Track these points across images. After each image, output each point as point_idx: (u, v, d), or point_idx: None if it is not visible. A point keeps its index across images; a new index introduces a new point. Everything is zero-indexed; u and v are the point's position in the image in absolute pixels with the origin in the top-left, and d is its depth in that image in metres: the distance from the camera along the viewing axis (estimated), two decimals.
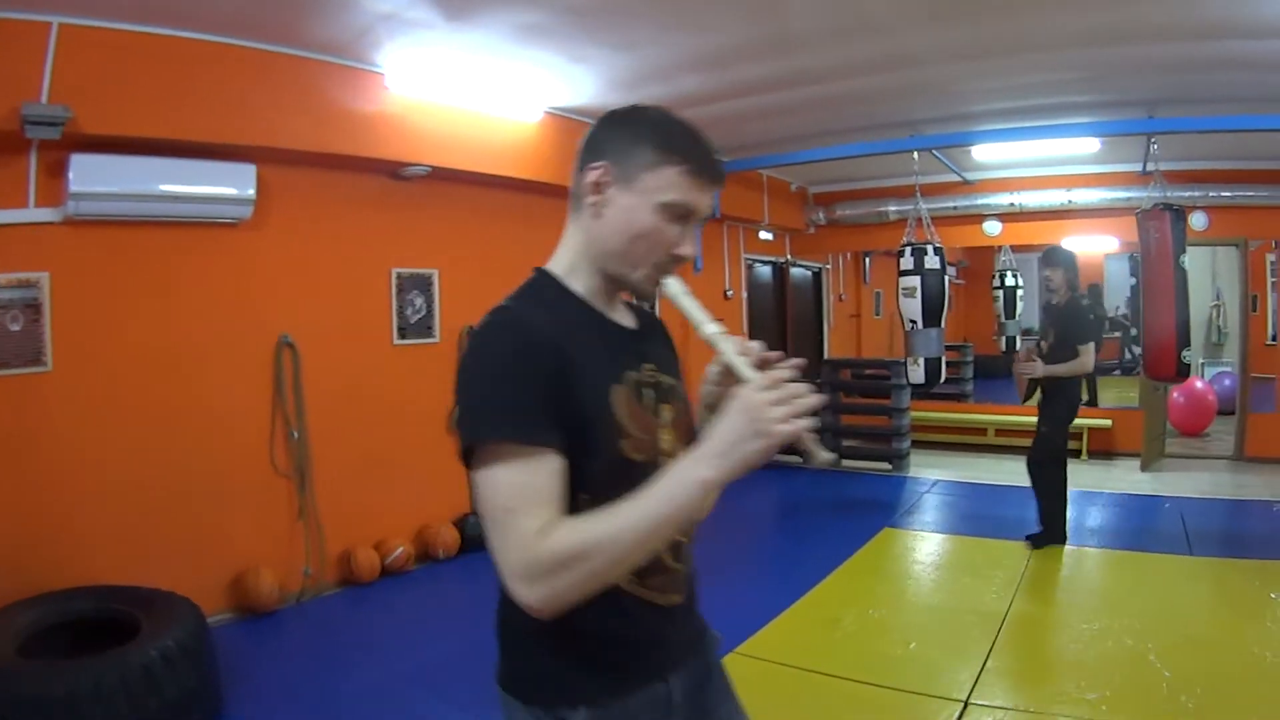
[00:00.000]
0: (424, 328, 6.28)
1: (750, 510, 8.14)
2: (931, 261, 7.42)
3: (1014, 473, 8.69)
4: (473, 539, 6.31)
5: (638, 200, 1.50)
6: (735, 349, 1.46)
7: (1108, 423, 9.73)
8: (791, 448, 1.36)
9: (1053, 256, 6.36)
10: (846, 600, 5.38)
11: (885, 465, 9.22)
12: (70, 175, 4.26)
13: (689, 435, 1.63)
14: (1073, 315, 6.15)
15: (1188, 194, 7.56)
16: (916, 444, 9.81)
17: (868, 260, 13.62)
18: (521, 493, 1.34)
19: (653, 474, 1.38)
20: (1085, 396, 12.21)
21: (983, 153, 8.60)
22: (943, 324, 7.49)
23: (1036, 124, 7.37)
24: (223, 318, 5.05)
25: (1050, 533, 6.26)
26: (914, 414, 9.53)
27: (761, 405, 1.32)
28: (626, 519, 1.32)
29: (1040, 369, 6.11)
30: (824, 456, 1.39)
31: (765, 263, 11.14)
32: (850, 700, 4.07)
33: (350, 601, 5.42)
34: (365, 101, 5.35)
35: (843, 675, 4.28)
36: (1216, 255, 11.91)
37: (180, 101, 4.50)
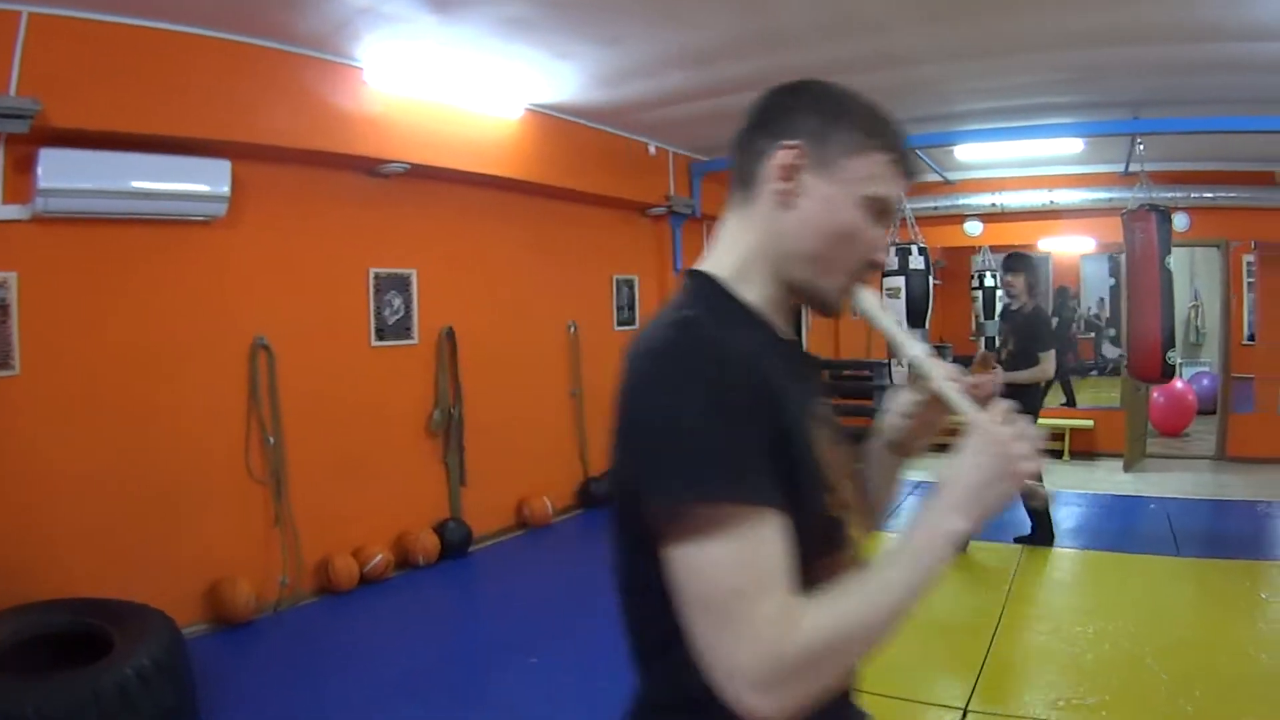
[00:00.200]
0: (402, 329, 6.14)
1: None
2: (916, 261, 7.35)
3: None
4: (452, 545, 6.19)
5: (838, 191, 1.21)
6: (946, 375, 1.27)
7: (1090, 423, 9.74)
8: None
9: (1014, 262, 6.34)
10: None
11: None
12: (39, 171, 4.08)
13: (858, 483, 1.38)
14: (1033, 322, 6.12)
15: (1169, 195, 7.55)
16: None
17: None
18: (753, 569, 1.02)
19: (843, 532, 1.20)
20: (1063, 398, 12.32)
21: (965, 153, 8.56)
22: (927, 325, 7.44)
23: (1022, 124, 7.34)
24: (196, 319, 4.89)
25: (1043, 534, 6.24)
26: None
27: (1006, 442, 1.12)
28: (878, 594, 1.08)
29: (1000, 376, 5.99)
30: (1043, 494, 1.20)
31: None
32: None
33: (329, 611, 5.27)
34: (343, 97, 5.21)
35: None
36: (1195, 256, 11.98)
37: (153, 95, 4.34)
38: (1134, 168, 6.89)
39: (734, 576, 1.01)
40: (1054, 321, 12.85)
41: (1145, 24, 5.13)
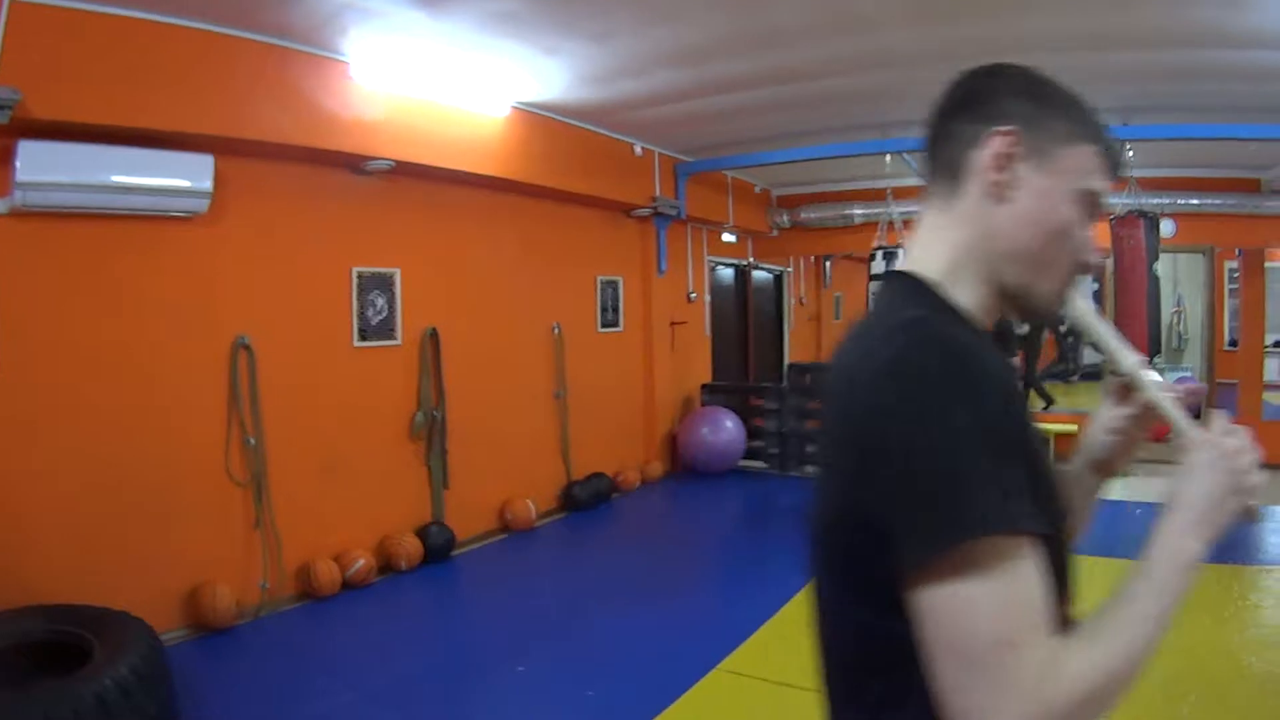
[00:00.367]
0: (385, 329, 6.04)
1: (717, 519, 8.02)
2: (902, 265, 7.32)
3: None
4: (435, 549, 6.10)
5: (1053, 184, 1.10)
6: (1161, 387, 1.18)
7: (1074, 429, 9.73)
8: None
9: None
10: None
11: None
12: (17, 163, 3.94)
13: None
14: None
15: (1155, 201, 7.58)
16: None
17: (828, 264, 13.59)
18: (1017, 613, 0.91)
19: (1071, 560, 1.10)
20: (1042, 403, 12.33)
21: None
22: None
23: None
24: (177, 317, 4.76)
25: None
26: None
27: (1233, 456, 1.05)
28: (1132, 631, 0.98)
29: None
30: (1256, 508, 1.11)
31: (728, 265, 11.03)
32: None
33: (310, 617, 5.16)
34: (329, 91, 5.10)
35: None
36: (1178, 262, 12.05)
37: (136, 87, 4.21)
38: (1123, 173, 6.88)
39: (997, 622, 0.90)
40: (1027, 327, 12.94)
41: (1140, 29, 5.13)
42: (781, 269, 12.40)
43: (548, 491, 7.58)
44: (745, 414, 9.45)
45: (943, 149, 1.17)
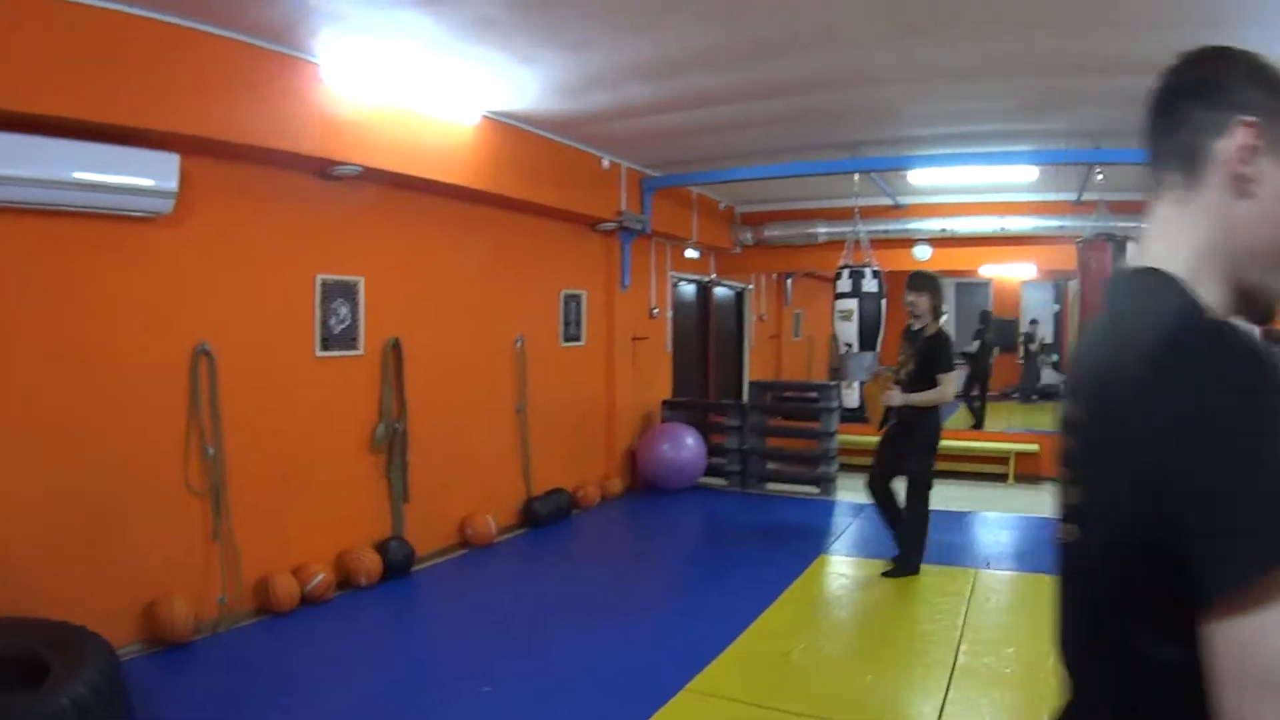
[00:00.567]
0: (348, 339, 5.90)
1: (679, 536, 7.96)
2: (870, 284, 7.38)
3: (941, 497, 8.69)
4: (394, 564, 5.96)
5: None
6: None
7: (1035, 448, 9.83)
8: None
9: (918, 281, 6.19)
10: (793, 631, 5.18)
11: (813, 489, 9.10)
12: None
13: None
14: (936, 344, 5.99)
15: (1120, 225, 7.66)
16: (841, 467, 9.73)
17: (789, 281, 13.63)
18: None
19: None
20: (973, 421, 12.48)
21: (918, 177, 8.60)
22: (878, 348, 7.44)
23: (982, 150, 7.39)
24: (136, 321, 4.58)
25: (911, 562, 6.13)
26: (839, 437, 9.41)
27: None
28: None
29: (898, 397, 5.96)
30: None
31: (690, 281, 11.01)
32: None
33: (270, 633, 4.98)
34: (299, 93, 4.98)
35: (804, 712, 4.06)
36: None
37: (100, 79, 4.05)
38: (1090, 196, 6.97)
39: None
40: (977, 345, 13.12)
41: (1115, 53, 5.18)
42: (743, 286, 12.42)
43: (508, 507, 7.46)
44: (705, 431, 9.42)
45: (1176, 135, 1.11)
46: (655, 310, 9.83)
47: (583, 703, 4.16)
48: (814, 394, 9.44)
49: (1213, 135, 1.06)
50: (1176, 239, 1.10)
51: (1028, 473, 9.81)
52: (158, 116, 4.28)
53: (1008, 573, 6.33)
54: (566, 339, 8.35)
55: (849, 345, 7.54)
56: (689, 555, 7.34)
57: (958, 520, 8.05)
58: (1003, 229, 9.38)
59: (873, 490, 6.25)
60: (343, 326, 5.85)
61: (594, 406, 8.85)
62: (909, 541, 6.14)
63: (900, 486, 6.15)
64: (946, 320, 10.23)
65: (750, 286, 12.58)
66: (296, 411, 5.50)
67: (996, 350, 14.64)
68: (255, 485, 5.17)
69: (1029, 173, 8.11)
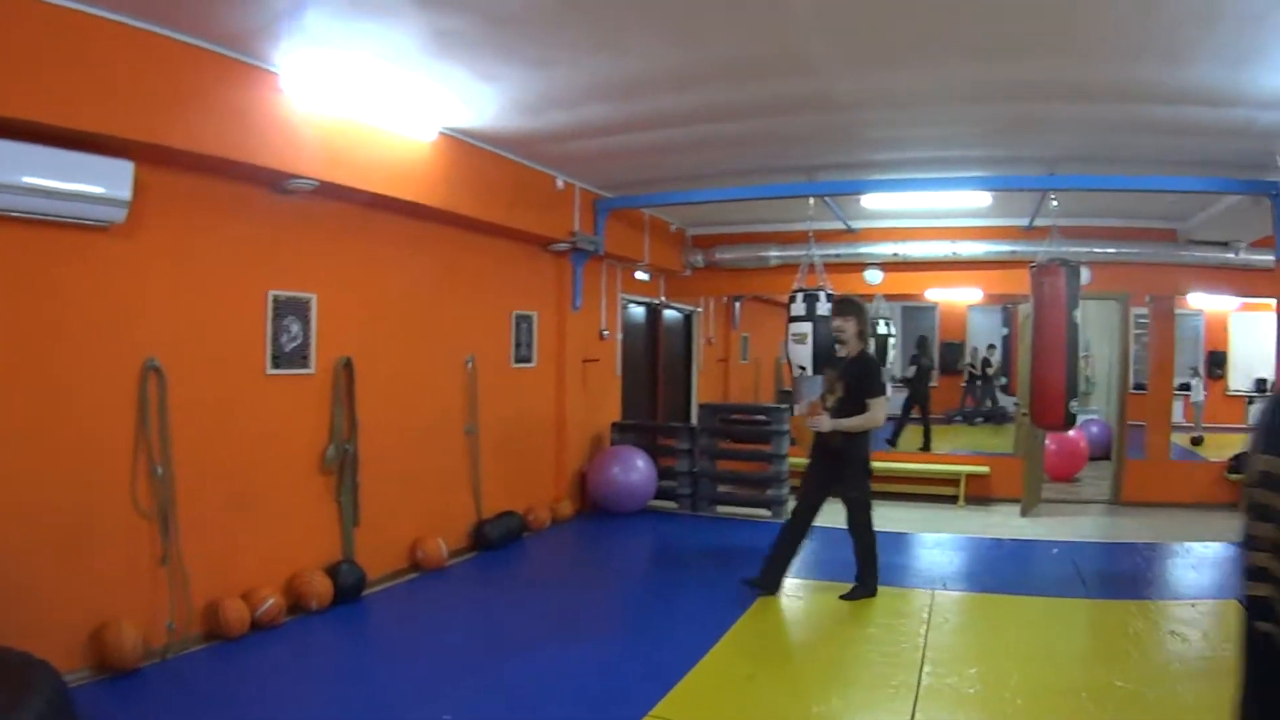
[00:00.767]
0: (299, 357, 5.75)
1: (632, 560, 7.89)
2: (824, 308, 7.42)
3: (893, 519, 8.80)
4: (346, 588, 5.80)
5: None
6: None
7: (985, 470, 9.96)
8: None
9: (844, 307, 6.15)
10: (755, 655, 5.13)
11: (764, 512, 9.10)
12: None
13: None
14: (864, 368, 5.99)
15: (1072, 249, 7.83)
16: (794, 490, 9.75)
17: (737, 305, 13.69)
18: None
19: None
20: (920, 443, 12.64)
21: (872, 201, 8.69)
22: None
23: (938, 175, 7.48)
24: (84, 334, 4.40)
25: (869, 585, 6.14)
26: (790, 460, 9.42)
27: None
28: None
29: (828, 423, 5.90)
30: None
31: (640, 303, 10.99)
32: None
33: (220, 659, 4.80)
34: (257, 103, 4.86)
35: None
36: (1086, 308, 12.56)
37: (53, 81, 3.90)
38: (1043, 222, 7.10)
39: None
40: (913, 370, 13.30)
41: (1075, 82, 5.30)
42: (692, 309, 12.43)
43: (458, 529, 7.34)
44: (655, 453, 9.38)
45: None
46: (605, 332, 9.78)
47: None
48: (764, 417, 9.45)
49: None
50: None
51: (978, 494, 9.94)
52: (112, 121, 4.13)
53: (963, 593, 6.36)
54: (517, 360, 8.26)
55: (802, 368, 7.57)
56: (644, 579, 7.26)
57: (910, 542, 8.10)
58: (954, 253, 9.53)
59: (797, 518, 6.22)
60: (294, 344, 5.71)
61: (544, 428, 8.76)
62: (865, 565, 6.14)
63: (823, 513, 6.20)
64: (895, 342, 10.41)
65: (699, 309, 12.60)
66: (246, 431, 5.34)
67: (935, 373, 14.85)
68: (204, 506, 5.00)
69: (983, 198, 8.25)
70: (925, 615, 5.77)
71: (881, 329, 10.02)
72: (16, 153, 3.85)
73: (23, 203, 3.95)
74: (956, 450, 12.55)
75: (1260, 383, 15.04)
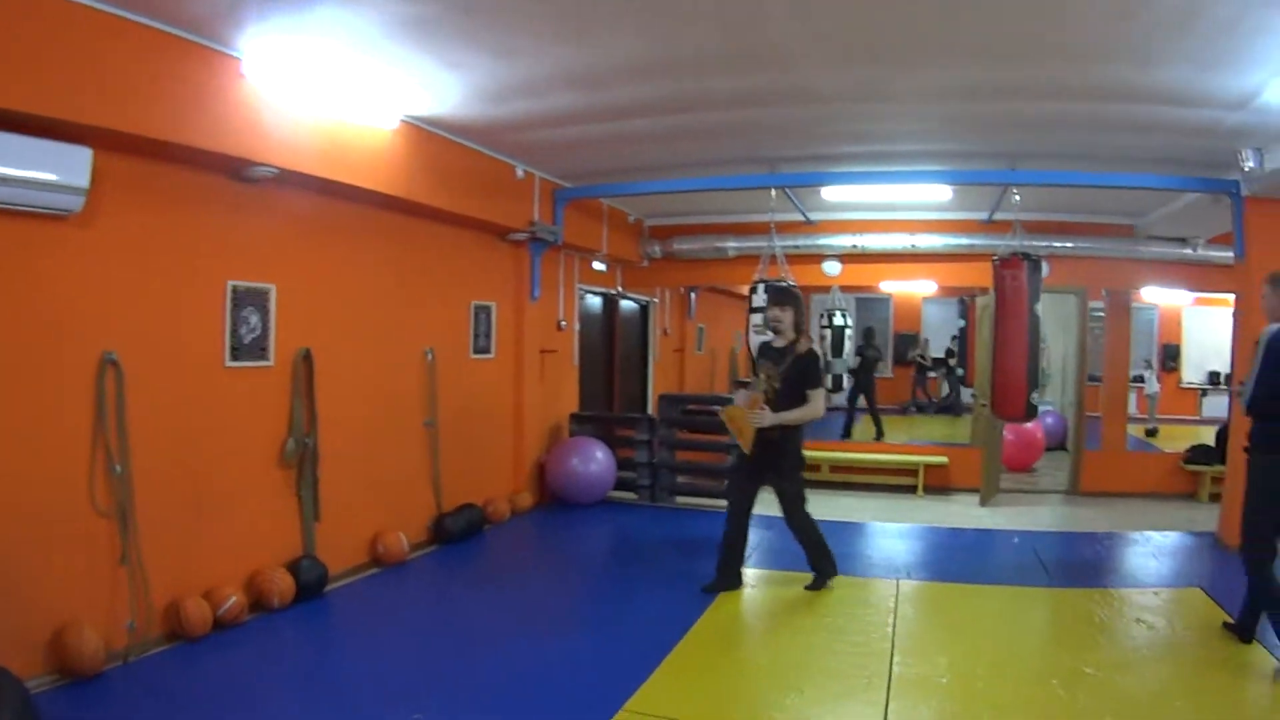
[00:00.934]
0: (258, 349, 5.61)
1: (594, 552, 7.85)
2: None
3: (853, 509, 8.88)
4: (307, 585, 5.70)
5: None
6: None
7: (944, 460, 10.06)
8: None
9: (782, 297, 6.04)
10: (725, 648, 5.14)
11: (724, 503, 9.03)
12: None
13: None
14: (804, 360, 5.89)
15: (1031, 243, 7.93)
16: None
17: (693, 295, 13.69)
18: None
19: None
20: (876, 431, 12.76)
21: (832, 193, 8.71)
22: None
23: (902, 168, 7.51)
24: (38, 328, 4.23)
25: (827, 572, 6.14)
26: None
27: None
28: None
29: (769, 417, 5.76)
30: None
31: (596, 294, 10.93)
32: None
33: (183, 660, 4.67)
34: (218, 89, 4.72)
35: None
36: (1043, 300, 12.78)
37: (7, 63, 3.74)
38: (1003, 216, 7.17)
39: None
40: (858, 360, 13.41)
41: (1040, 81, 5.36)
42: (648, 299, 12.41)
43: (418, 523, 7.25)
44: (613, 444, 9.34)
45: None
46: (563, 323, 9.72)
47: None
48: (718, 407, 9.44)
49: None
50: None
51: (937, 485, 10.05)
52: (70, 106, 3.97)
53: (927, 583, 6.42)
54: (476, 351, 8.17)
55: None
56: (607, 572, 7.22)
57: (871, 532, 8.17)
58: (913, 246, 9.61)
59: (736, 513, 6.16)
60: (253, 336, 5.57)
61: (503, 420, 8.68)
62: (818, 555, 6.13)
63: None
64: (851, 334, 10.47)
65: (655, 300, 12.58)
66: (205, 425, 5.20)
67: (883, 364, 14.98)
68: (163, 503, 4.86)
69: (943, 191, 8.31)
70: (891, 605, 5.81)
71: (838, 320, 10.04)
72: None
73: None
74: (913, 440, 12.70)
75: (1213, 375, 15.44)
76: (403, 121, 6.23)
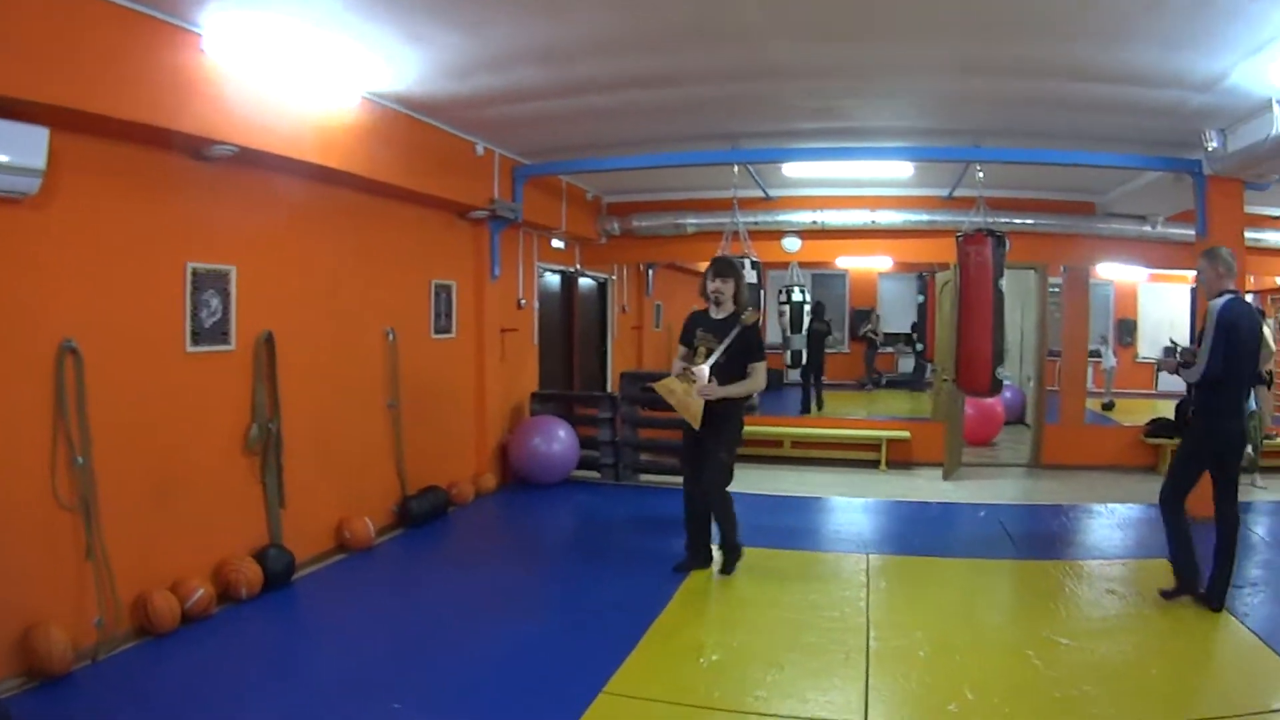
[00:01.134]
0: (219, 333, 5.45)
1: (561, 532, 7.82)
2: (748, 275, 7.39)
3: (817, 484, 8.92)
4: (275, 574, 5.59)
5: None
6: None
7: (906, 434, 10.14)
8: None
9: (725, 268, 5.91)
10: (700, 626, 5.14)
11: None
12: None
13: None
14: (748, 332, 5.79)
15: (991, 220, 7.98)
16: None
17: (650, 272, 13.64)
18: None
19: None
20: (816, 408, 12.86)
21: (793, 169, 8.69)
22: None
23: (865, 144, 7.50)
24: None
25: (737, 549, 6.05)
26: None
27: None
28: None
29: (717, 390, 5.71)
30: None
31: (555, 272, 10.83)
32: None
33: (153, 656, 4.54)
34: (178, 65, 4.54)
35: (731, 709, 4.01)
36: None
37: None
38: (968, 193, 7.20)
39: None
40: (824, 333, 13.51)
41: (1008, 59, 5.37)
42: (606, 277, 12.33)
43: (383, 507, 7.15)
44: (575, 423, 9.27)
45: None
46: (523, 301, 9.62)
47: (503, 714, 3.97)
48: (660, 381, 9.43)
49: None
50: None
51: (900, 459, 10.14)
52: (26, 84, 3.78)
53: (897, 556, 6.47)
54: (437, 331, 8.05)
55: None
56: (576, 552, 7.17)
57: (837, 506, 8.22)
58: (873, 222, 9.64)
59: (695, 493, 6.07)
60: (214, 319, 5.41)
61: (465, 400, 8.59)
62: (729, 528, 6.02)
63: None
64: (808, 309, 10.50)
65: (613, 277, 12.51)
66: (167, 413, 5.05)
67: (831, 339, 15.07)
68: (126, 495, 4.71)
69: (905, 168, 8.33)
70: (863, 579, 5.86)
71: (797, 296, 10.07)
72: None
73: None
74: (873, 415, 12.81)
75: (1168, 349, 15.75)
76: (364, 99, 6.08)
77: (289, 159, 5.57)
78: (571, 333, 11.53)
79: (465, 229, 8.42)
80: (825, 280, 16.60)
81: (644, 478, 9.28)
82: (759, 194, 9.60)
